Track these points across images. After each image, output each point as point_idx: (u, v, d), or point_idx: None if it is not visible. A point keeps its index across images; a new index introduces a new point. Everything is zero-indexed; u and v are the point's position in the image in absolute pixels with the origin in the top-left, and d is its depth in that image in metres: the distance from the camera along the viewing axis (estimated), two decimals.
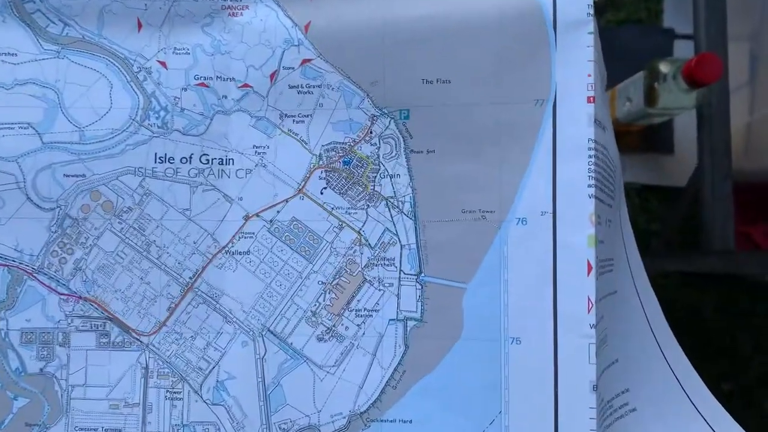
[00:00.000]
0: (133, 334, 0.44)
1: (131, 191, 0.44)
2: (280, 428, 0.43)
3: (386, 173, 0.44)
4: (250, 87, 0.44)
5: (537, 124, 0.42)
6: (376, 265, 0.44)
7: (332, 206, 0.44)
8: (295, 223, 0.44)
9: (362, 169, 0.44)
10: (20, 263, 0.44)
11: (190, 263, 0.44)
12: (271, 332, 0.44)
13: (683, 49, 0.94)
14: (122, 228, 0.44)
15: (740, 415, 0.49)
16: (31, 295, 0.44)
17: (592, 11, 0.42)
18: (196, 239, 0.44)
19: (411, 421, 0.43)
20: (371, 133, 0.44)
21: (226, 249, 0.44)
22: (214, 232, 0.44)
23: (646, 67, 0.81)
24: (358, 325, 0.43)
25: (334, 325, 0.43)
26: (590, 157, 0.42)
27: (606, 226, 0.45)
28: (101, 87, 0.44)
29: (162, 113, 0.44)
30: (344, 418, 0.43)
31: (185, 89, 0.44)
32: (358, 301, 0.43)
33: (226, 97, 0.44)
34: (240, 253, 0.44)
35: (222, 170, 0.44)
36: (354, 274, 0.44)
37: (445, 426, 0.42)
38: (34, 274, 0.44)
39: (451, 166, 0.43)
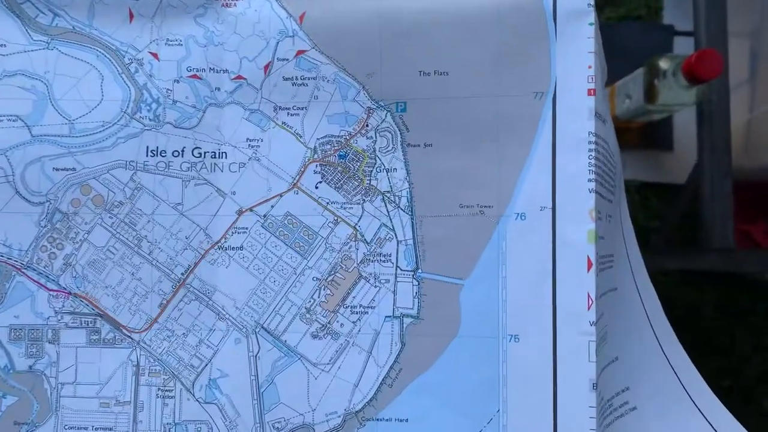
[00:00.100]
0: (124, 330, 0.43)
1: (122, 185, 0.43)
2: (273, 427, 0.42)
3: (382, 167, 0.43)
4: (244, 79, 0.43)
5: (536, 117, 0.42)
6: (372, 261, 0.43)
7: (327, 201, 0.43)
8: (289, 218, 0.43)
9: (358, 163, 0.43)
10: (8, 258, 0.43)
11: (182, 259, 0.43)
12: (265, 329, 0.43)
13: (683, 46, 0.93)
14: (113, 223, 0.43)
15: (739, 413, 0.48)
16: (19, 291, 0.43)
17: (592, 1, 0.41)
18: (188, 234, 0.43)
19: (407, 420, 0.42)
20: (367, 126, 0.43)
21: (219, 244, 0.43)
22: (207, 227, 0.43)
23: (646, 64, 0.81)
24: (353, 322, 0.43)
25: (329, 322, 0.43)
26: (590, 150, 0.41)
27: (606, 221, 0.44)
28: (92, 79, 0.44)
29: (154, 106, 0.43)
30: (339, 416, 0.42)
31: (177, 81, 0.44)
32: (354, 297, 0.43)
33: (219, 89, 0.43)
34: (233, 249, 0.43)
35: (215, 164, 0.43)
36: (349, 270, 0.43)
37: (441, 425, 0.41)
38: (23, 270, 0.43)
39: (448, 160, 0.42)
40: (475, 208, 0.42)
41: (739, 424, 0.48)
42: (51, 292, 0.43)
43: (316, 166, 0.43)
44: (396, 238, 0.43)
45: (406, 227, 0.43)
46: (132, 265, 0.43)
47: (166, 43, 0.44)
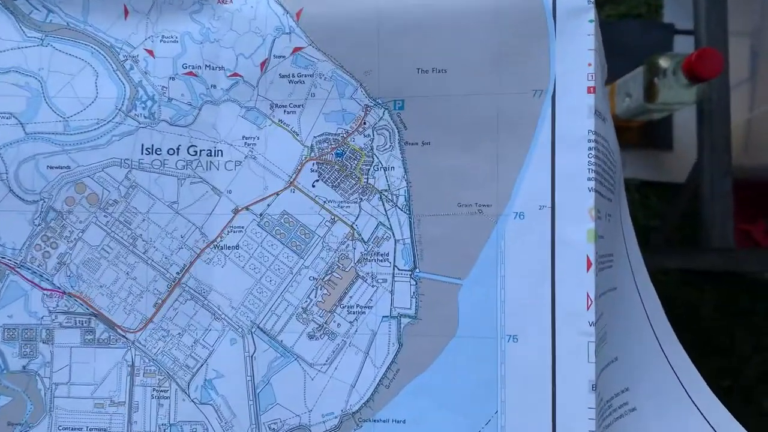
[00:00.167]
0: (119, 330, 0.43)
1: (117, 183, 0.43)
2: (269, 428, 0.42)
3: (380, 165, 0.42)
4: (240, 76, 0.43)
5: (535, 115, 0.41)
6: (370, 261, 0.42)
7: (324, 199, 0.43)
8: (285, 216, 0.43)
9: (355, 162, 0.43)
10: (2, 257, 0.43)
11: (177, 258, 0.43)
12: (261, 329, 0.42)
13: (683, 45, 0.93)
14: (108, 221, 0.43)
15: (739, 413, 0.48)
16: (13, 291, 0.43)
17: None
18: (183, 233, 0.43)
19: (404, 421, 0.41)
20: (365, 124, 0.43)
21: (215, 243, 0.43)
22: (203, 225, 0.43)
23: (646, 62, 0.80)
24: (350, 322, 0.42)
25: (325, 322, 0.42)
26: (590, 149, 0.41)
27: (606, 220, 0.43)
28: (86, 76, 0.43)
29: (149, 103, 0.43)
30: (336, 417, 0.42)
31: (173, 78, 0.43)
32: (351, 297, 0.42)
33: (215, 86, 0.43)
34: (229, 248, 0.43)
35: (210, 162, 0.43)
36: (346, 270, 0.42)
37: (439, 426, 0.41)
38: (17, 269, 0.43)
39: (446, 158, 0.42)
40: (474, 207, 0.42)
41: (739, 424, 0.48)
42: (45, 292, 0.43)
43: (313, 164, 0.43)
44: (393, 237, 0.42)
45: (403, 226, 0.42)
46: (127, 265, 0.43)
47: (161, 40, 0.43)
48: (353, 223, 0.43)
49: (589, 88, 0.41)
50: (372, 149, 0.43)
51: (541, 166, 0.41)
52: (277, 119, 0.43)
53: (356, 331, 0.42)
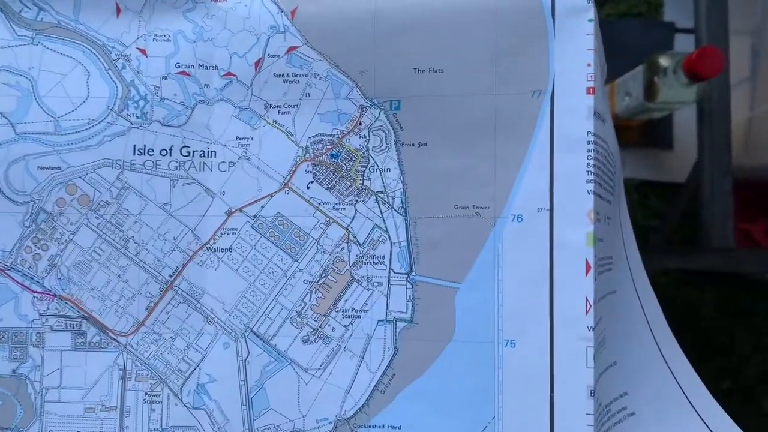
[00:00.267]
0: (111, 334, 0.42)
1: (109, 185, 0.42)
2: None
3: (376, 167, 0.42)
4: (234, 76, 0.42)
5: (534, 116, 0.40)
6: (365, 264, 0.42)
7: (319, 201, 0.42)
8: (280, 218, 0.42)
9: (351, 163, 0.42)
10: None
11: (169, 260, 0.42)
12: (255, 333, 0.42)
13: (684, 44, 0.93)
14: (99, 223, 0.42)
15: (739, 413, 0.47)
16: (3, 293, 0.42)
17: None
18: (176, 235, 0.42)
19: (400, 427, 0.41)
20: (360, 124, 0.42)
21: (208, 246, 0.42)
22: (195, 227, 0.42)
23: (646, 61, 0.80)
24: (345, 326, 0.42)
25: (320, 326, 0.42)
26: (589, 150, 0.40)
27: (605, 223, 0.43)
28: (78, 75, 0.43)
29: (141, 103, 0.42)
30: (330, 423, 0.41)
31: (166, 78, 0.42)
32: (346, 301, 0.42)
33: (208, 86, 0.42)
34: (222, 250, 0.42)
35: (204, 163, 0.42)
36: (341, 273, 0.42)
37: None
38: (7, 271, 0.42)
39: (443, 159, 0.41)
40: (471, 209, 0.41)
41: (740, 429, 0.47)
42: (35, 294, 0.42)
43: (308, 165, 0.42)
44: (389, 239, 0.42)
45: (399, 229, 0.42)
46: (118, 267, 0.42)
47: (154, 39, 0.43)
48: (348, 225, 0.42)
49: (588, 88, 0.40)
50: (368, 150, 0.42)
51: (539, 167, 0.40)
52: (272, 119, 0.42)
53: (351, 335, 0.42)
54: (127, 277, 0.42)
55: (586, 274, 0.40)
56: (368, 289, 0.42)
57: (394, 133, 0.42)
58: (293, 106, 0.42)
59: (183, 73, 0.42)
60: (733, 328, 1.00)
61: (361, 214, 0.42)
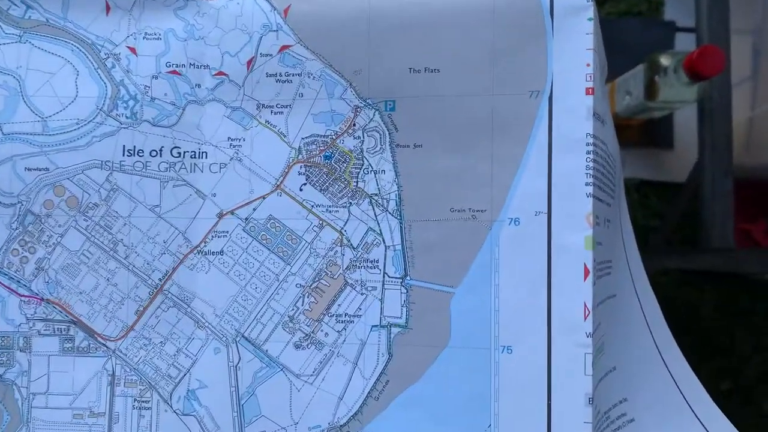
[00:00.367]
0: (99, 338, 0.41)
1: (97, 186, 0.42)
2: None
3: (370, 169, 0.41)
4: (226, 75, 0.42)
5: (532, 117, 0.40)
6: (359, 268, 0.41)
7: (312, 204, 0.41)
8: (272, 221, 0.41)
9: (344, 164, 0.41)
10: None
11: (159, 264, 0.41)
12: (246, 338, 0.41)
13: (684, 43, 0.92)
14: (88, 225, 0.41)
15: (738, 414, 0.47)
16: None
17: None
18: (166, 238, 0.41)
19: None
20: (354, 125, 0.41)
21: (199, 249, 0.41)
22: (186, 230, 0.41)
23: (647, 60, 0.80)
24: (338, 332, 0.41)
25: (312, 332, 0.41)
26: (588, 153, 0.39)
27: (605, 226, 0.42)
28: (66, 74, 0.42)
29: (131, 103, 0.42)
30: (322, 430, 0.40)
31: (156, 77, 0.42)
32: (339, 305, 0.41)
33: (199, 85, 0.42)
34: (213, 254, 0.41)
35: (194, 164, 0.42)
36: (335, 277, 0.41)
37: None
38: None
39: (439, 161, 0.40)
40: (467, 212, 0.40)
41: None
42: (22, 298, 0.42)
43: (301, 167, 0.41)
44: (384, 243, 0.41)
45: (394, 232, 0.41)
46: (107, 270, 0.41)
47: (144, 37, 0.42)
48: (342, 228, 0.41)
49: (587, 89, 0.39)
50: (362, 152, 0.41)
51: (537, 170, 0.40)
52: (264, 120, 0.42)
53: (344, 340, 0.41)
54: (116, 280, 0.41)
55: (585, 278, 0.39)
56: (362, 294, 0.41)
57: (389, 134, 0.41)
58: (286, 107, 0.42)
59: (174, 72, 0.42)
60: (733, 328, 1.00)
61: (355, 217, 0.41)
